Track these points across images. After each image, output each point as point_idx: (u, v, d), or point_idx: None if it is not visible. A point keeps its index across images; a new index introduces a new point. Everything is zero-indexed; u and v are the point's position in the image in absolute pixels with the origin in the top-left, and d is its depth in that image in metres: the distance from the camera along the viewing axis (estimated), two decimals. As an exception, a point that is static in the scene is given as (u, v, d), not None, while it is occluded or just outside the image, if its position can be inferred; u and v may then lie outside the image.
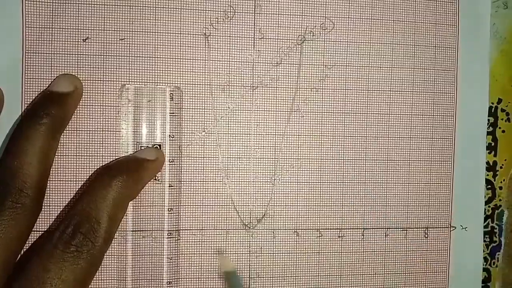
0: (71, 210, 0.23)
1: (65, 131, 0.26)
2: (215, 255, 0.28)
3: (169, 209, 0.27)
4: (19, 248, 0.23)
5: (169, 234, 0.27)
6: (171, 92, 0.27)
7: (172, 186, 0.27)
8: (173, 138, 0.27)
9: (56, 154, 0.26)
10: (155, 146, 0.27)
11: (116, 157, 0.27)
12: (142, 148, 0.27)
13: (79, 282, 0.22)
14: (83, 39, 0.27)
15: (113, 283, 0.27)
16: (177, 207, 0.28)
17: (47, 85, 0.26)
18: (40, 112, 0.24)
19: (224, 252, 0.28)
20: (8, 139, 0.25)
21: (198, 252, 0.28)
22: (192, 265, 0.28)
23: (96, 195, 0.23)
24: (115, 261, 0.27)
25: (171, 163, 0.27)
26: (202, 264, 0.28)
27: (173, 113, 0.27)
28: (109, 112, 0.27)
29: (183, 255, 0.28)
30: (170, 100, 0.27)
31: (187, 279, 0.28)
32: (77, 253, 0.22)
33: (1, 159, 0.24)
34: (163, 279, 0.27)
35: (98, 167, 0.27)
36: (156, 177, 0.27)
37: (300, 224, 0.29)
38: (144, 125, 0.27)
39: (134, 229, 0.27)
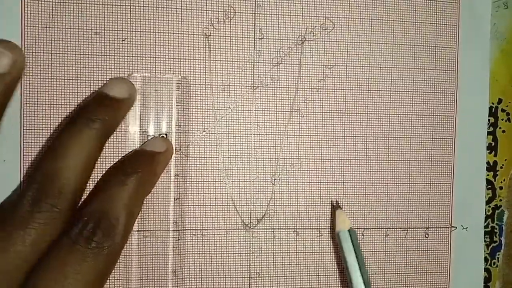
0: (89, 207, 0.23)
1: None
2: (215, 255, 0.28)
3: (174, 210, 0.27)
4: (46, 249, 0.23)
5: (173, 233, 0.27)
6: (178, 82, 0.27)
7: (178, 175, 0.28)
8: (180, 129, 0.28)
9: None
10: (162, 135, 0.27)
11: (123, 146, 0.27)
12: (149, 137, 0.27)
13: (99, 278, 0.22)
14: (83, 40, 0.27)
15: (118, 283, 0.27)
16: (180, 207, 0.28)
17: (46, 86, 0.26)
18: (93, 116, 0.23)
19: (224, 252, 0.28)
20: (8, 140, 0.26)
21: (198, 252, 0.28)
22: (193, 264, 0.28)
23: (113, 193, 0.23)
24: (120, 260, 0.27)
25: (177, 152, 0.28)
26: (203, 264, 0.28)
27: (179, 103, 0.27)
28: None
29: (183, 254, 0.28)
30: (177, 90, 0.27)
31: (187, 279, 0.28)
32: (97, 249, 0.22)
33: (45, 158, 0.23)
34: (167, 278, 0.27)
35: (106, 156, 0.27)
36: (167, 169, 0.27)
37: (300, 224, 0.29)
38: (150, 115, 0.27)
39: (139, 229, 0.27)
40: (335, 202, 0.28)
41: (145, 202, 0.27)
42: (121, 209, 0.23)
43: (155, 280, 0.27)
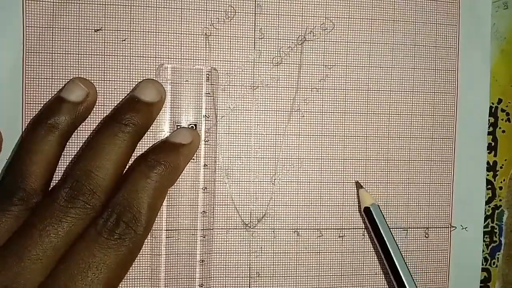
0: (114, 199, 0.24)
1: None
2: (215, 254, 0.28)
3: (204, 211, 0.28)
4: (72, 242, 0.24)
5: (201, 232, 0.27)
6: (208, 73, 0.28)
7: (206, 166, 0.28)
8: (208, 119, 0.28)
9: None
10: (191, 126, 0.27)
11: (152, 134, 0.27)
12: (178, 127, 0.27)
13: (121, 267, 0.23)
14: (83, 39, 0.27)
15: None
16: (209, 208, 0.28)
17: (48, 86, 0.26)
18: (126, 121, 0.25)
19: (224, 252, 0.28)
20: (9, 139, 0.26)
21: (198, 252, 0.28)
22: (193, 264, 0.28)
23: (137, 185, 0.24)
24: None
25: (206, 142, 0.28)
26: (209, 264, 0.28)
27: (208, 93, 0.28)
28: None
29: (183, 254, 0.28)
30: (206, 81, 0.28)
31: (186, 279, 0.28)
32: (120, 240, 0.23)
33: (80, 157, 0.24)
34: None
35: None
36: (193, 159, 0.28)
37: (300, 224, 0.29)
38: (180, 105, 0.27)
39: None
40: (356, 183, 0.29)
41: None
42: (143, 202, 0.24)
43: (185, 280, 0.27)
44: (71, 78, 0.26)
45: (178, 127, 0.27)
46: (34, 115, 0.26)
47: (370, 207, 0.28)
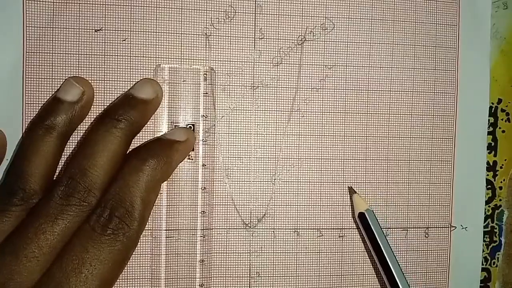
0: (107, 194, 0.24)
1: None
2: (215, 254, 0.28)
3: (203, 211, 0.28)
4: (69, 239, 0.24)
5: (201, 232, 0.27)
6: (205, 73, 0.28)
7: (205, 165, 0.28)
8: (206, 119, 0.28)
9: None
10: (189, 126, 0.27)
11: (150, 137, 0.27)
12: (176, 127, 0.27)
13: (116, 263, 0.23)
14: (83, 39, 0.27)
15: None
16: (208, 206, 0.28)
17: (48, 86, 0.26)
18: (119, 116, 0.25)
19: (224, 252, 0.28)
20: (10, 139, 0.26)
21: (197, 252, 0.28)
22: (194, 264, 0.28)
23: (129, 180, 0.24)
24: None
25: (204, 142, 0.28)
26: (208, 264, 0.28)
27: (206, 93, 0.28)
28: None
29: (183, 254, 0.28)
30: (204, 81, 0.28)
31: (186, 279, 0.28)
32: (114, 236, 0.23)
33: (75, 155, 0.24)
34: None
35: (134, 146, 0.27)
36: (190, 156, 0.27)
37: (300, 224, 0.29)
38: (178, 105, 0.27)
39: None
40: (349, 188, 0.29)
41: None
42: (136, 196, 0.24)
43: (186, 279, 0.27)
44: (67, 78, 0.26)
45: (176, 127, 0.27)
46: (34, 115, 0.26)
47: (365, 213, 0.28)
